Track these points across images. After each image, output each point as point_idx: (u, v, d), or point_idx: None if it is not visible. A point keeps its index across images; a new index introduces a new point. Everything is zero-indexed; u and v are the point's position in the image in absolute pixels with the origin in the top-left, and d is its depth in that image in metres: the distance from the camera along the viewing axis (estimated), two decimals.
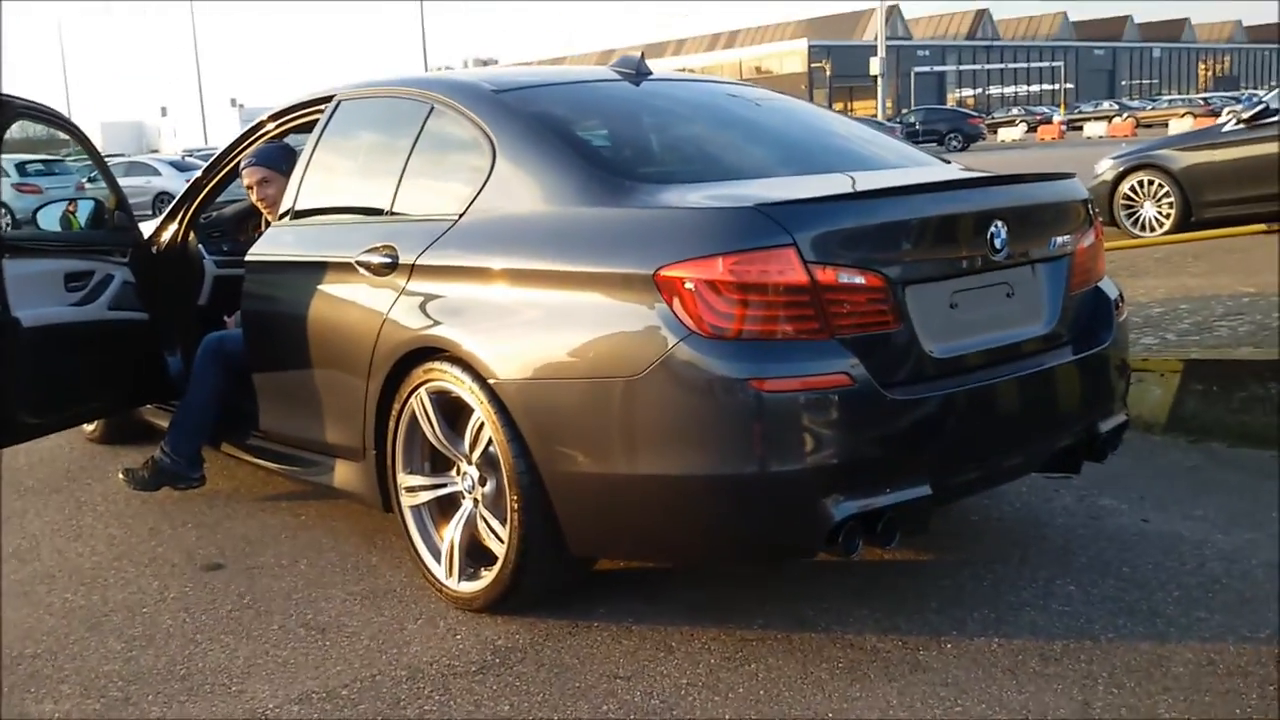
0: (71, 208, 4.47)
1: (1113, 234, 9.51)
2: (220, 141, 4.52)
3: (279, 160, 4.00)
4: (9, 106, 3.66)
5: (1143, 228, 9.76)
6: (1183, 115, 41.65)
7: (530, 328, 2.75)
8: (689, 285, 2.48)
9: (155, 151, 55.88)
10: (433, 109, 3.32)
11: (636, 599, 3.00)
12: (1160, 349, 4.74)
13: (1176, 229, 9.47)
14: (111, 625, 3.06)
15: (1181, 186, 9.53)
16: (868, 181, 3.03)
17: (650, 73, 3.64)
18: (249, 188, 4.15)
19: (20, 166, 21.52)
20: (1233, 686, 2.42)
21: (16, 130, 3.74)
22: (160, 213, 4.73)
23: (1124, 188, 9.92)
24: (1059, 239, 3.00)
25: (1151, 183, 9.74)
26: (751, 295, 2.46)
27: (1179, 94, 75.48)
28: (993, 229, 2.75)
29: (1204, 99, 53.26)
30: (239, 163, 4.31)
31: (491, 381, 2.76)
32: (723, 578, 3.12)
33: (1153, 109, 51.70)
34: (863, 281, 2.54)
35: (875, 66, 41.72)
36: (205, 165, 4.47)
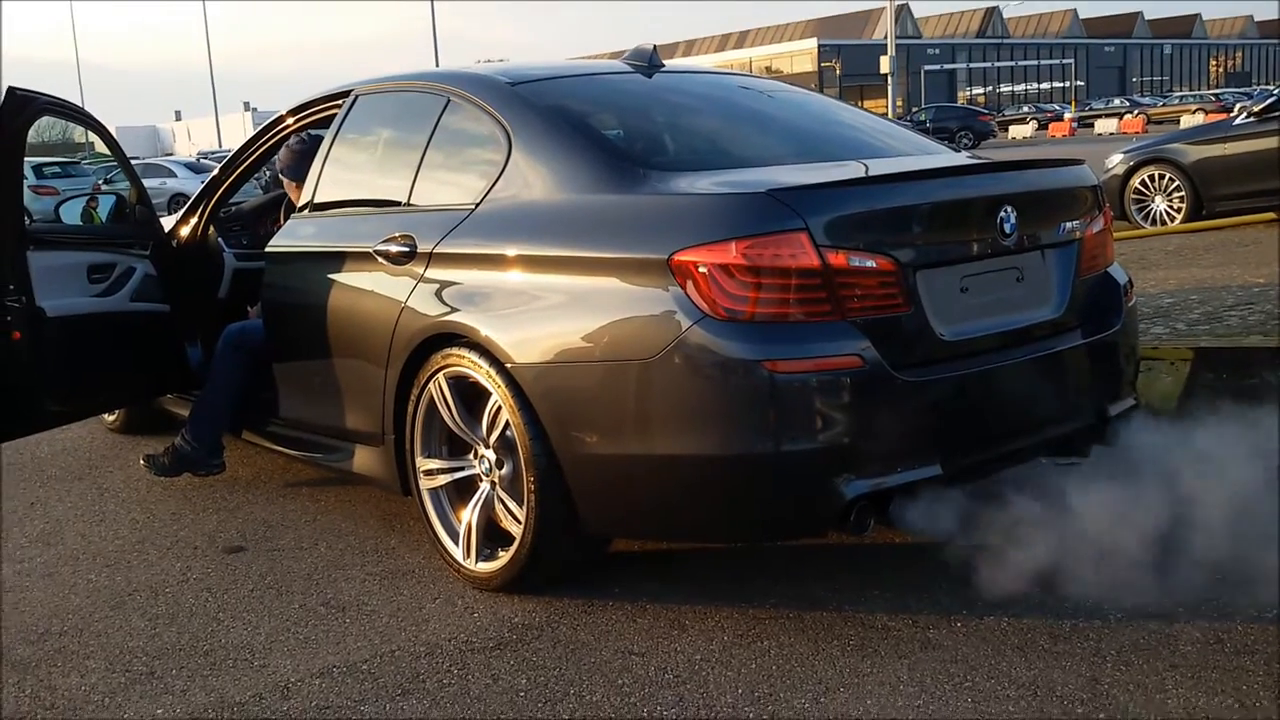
0: (93, 203, 4.53)
1: (1122, 227, 9.52)
2: (233, 144, 4.58)
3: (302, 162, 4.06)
4: (33, 103, 3.72)
5: (1153, 222, 9.77)
6: (1194, 111, 41.54)
7: (546, 313, 2.80)
8: (703, 269, 2.53)
9: (170, 154, 56.16)
10: (449, 102, 3.38)
11: (650, 578, 3.05)
12: (1171, 338, 4.78)
13: (1187, 223, 9.48)
14: (135, 604, 3.12)
15: (1192, 180, 9.54)
16: (879, 168, 3.07)
17: (662, 65, 3.69)
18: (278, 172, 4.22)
19: (37, 169, 21.71)
20: (1240, 664, 2.46)
21: (33, 134, 3.79)
22: (175, 212, 4.80)
23: (1135, 182, 9.93)
24: (1068, 224, 3.04)
25: (1162, 177, 9.75)
26: (764, 279, 2.50)
27: (1190, 90, 75.22)
28: (1002, 214, 2.80)
29: (1215, 95, 53.09)
30: (258, 158, 4.37)
31: (508, 366, 2.81)
32: (735, 558, 3.17)
33: (1164, 105, 51.50)
34: (874, 265, 2.58)
35: (885, 65, 41.75)
36: (224, 162, 4.53)
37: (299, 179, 4.01)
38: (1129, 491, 2.92)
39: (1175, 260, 7.51)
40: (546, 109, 3.16)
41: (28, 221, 3.74)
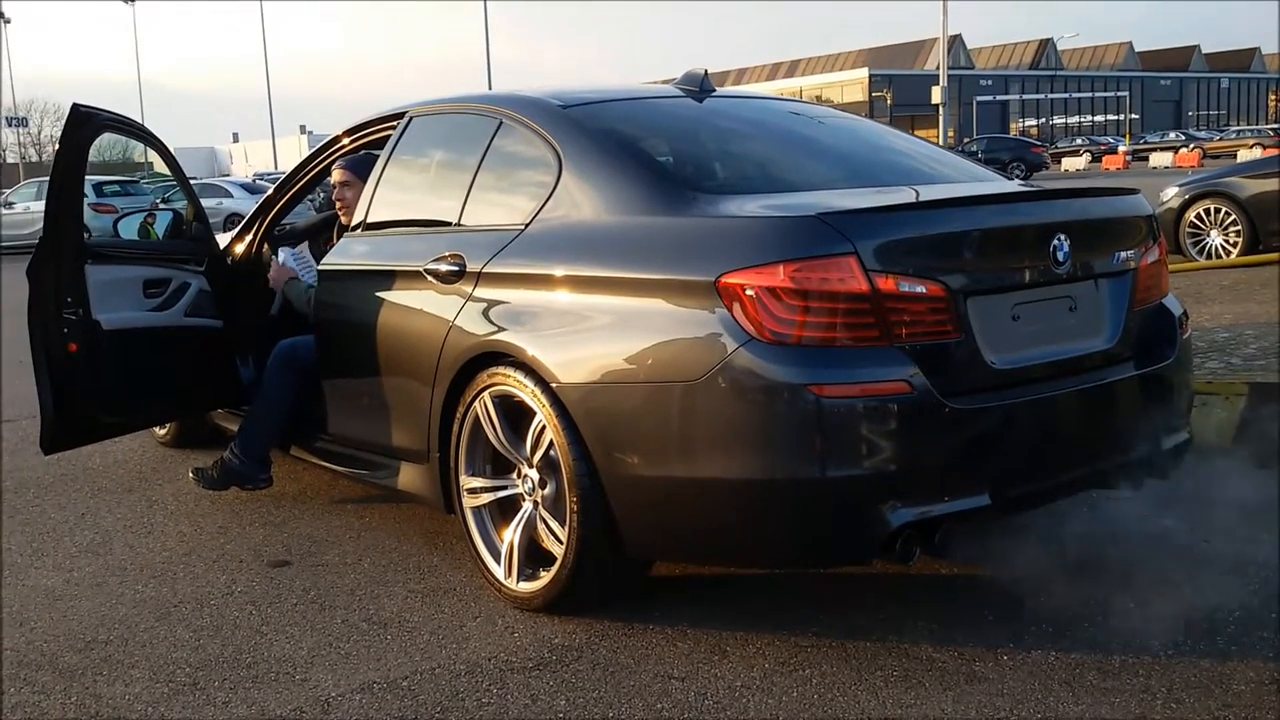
0: (150, 218, 4.62)
1: (1177, 261, 9.38)
2: (289, 166, 4.65)
3: (362, 167, 4.11)
4: (96, 118, 3.80)
5: (1209, 256, 9.62)
6: (1251, 146, 40.93)
7: (593, 333, 2.80)
8: (750, 292, 2.52)
9: (227, 175, 57.21)
10: (501, 124, 3.41)
11: (692, 603, 3.03)
12: (1226, 373, 4.69)
13: (1243, 256, 9.32)
14: (180, 616, 3.15)
15: (1249, 214, 9.39)
16: (930, 194, 3.05)
17: (714, 89, 3.70)
18: (333, 185, 4.28)
19: (97, 187, 22.20)
20: None
21: (94, 154, 3.88)
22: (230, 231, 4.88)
23: (1190, 215, 9.80)
24: (1122, 254, 3.00)
25: (1218, 210, 9.61)
26: (812, 302, 2.49)
27: (1248, 124, 74.18)
28: (1055, 242, 2.77)
29: (1274, 130, 52.29)
30: (312, 178, 4.44)
31: (554, 385, 2.82)
32: (778, 584, 3.14)
33: (1220, 139, 50.83)
34: (924, 291, 2.56)
35: (937, 95, 41.59)
36: (279, 181, 4.60)
37: (360, 176, 4.04)
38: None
39: (1231, 295, 7.38)
40: (597, 131, 3.18)
41: (86, 236, 3.81)
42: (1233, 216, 9.51)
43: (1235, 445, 4.25)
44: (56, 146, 3.80)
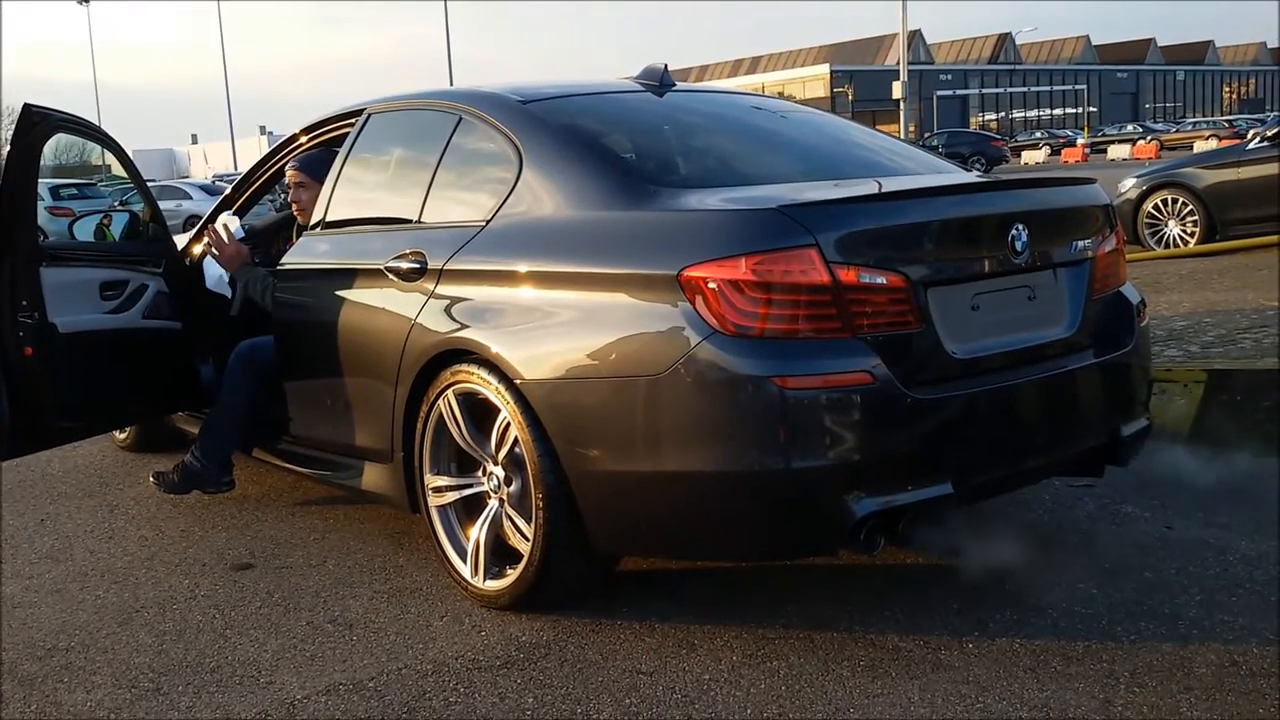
0: (106, 220, 4.56)
1: (1136, 250, 9.50)
2: (249, 167, 4.58)
3: (318, 167, 4.06)
4: (49, 120, 3.74)
5: (1167, 245, 9.74)
6: (1207, 138, 41.46)
7: (555, 329, 2.79)
8: (712, 285, 2.52)
9: (186, 177, 56.60)
10: (460, 120, 3.39)
11: (659, 597, 3.03)
12: (1184, 360, 4.75)
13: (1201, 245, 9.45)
14: (143, 620, 3.11)
15: (1206, 204, 9.52)
16: (891, 186, 3.06)
17: (674, 83, 3.70)
18: (288, 187, 4.22)
19: (54, 190, 21.89)
20: (1255, 687, 2.42)
21: (50, 156, 3.81)
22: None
23: (1148, 206, 9.92)
24: (1080, 243, 3.02)
25: (1176, 201, 9.73)
26: (774, 295, 2.49)
27: (1203, 116, 75.21)
28: (1014, 232, 2.79)
29: (1229, 121, 53.07)
30: (270, 177, 4.39)
31: (518, 382, 2.81)
32: (745, 578, 3.14)
33: (1177, 131, 51.50)
34: (884, 282, 2.57)
35: (898, 90, 41.83)
36: (236, 181, 4.54)
37: (315, 176, 4.00)
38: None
39: (1189, 284, 7.48)
40: (557, 126, 3.17)
41: (41, 238, 3.75)
42: (1190, 207, 9.63)
43: (1194, 431, 4.31)
44: (8, 148, 3.73)
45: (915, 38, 77.72)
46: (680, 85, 3.74)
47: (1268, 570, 3.02)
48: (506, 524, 2.98)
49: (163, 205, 4.67)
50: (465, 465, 3.13)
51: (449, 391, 3.04)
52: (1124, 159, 39.27)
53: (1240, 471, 3.87)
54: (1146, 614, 2.79)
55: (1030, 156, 45.84)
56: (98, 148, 4.28)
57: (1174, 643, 2.63)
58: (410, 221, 3.40)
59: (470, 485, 3.10)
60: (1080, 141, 48.24)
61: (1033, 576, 3.00)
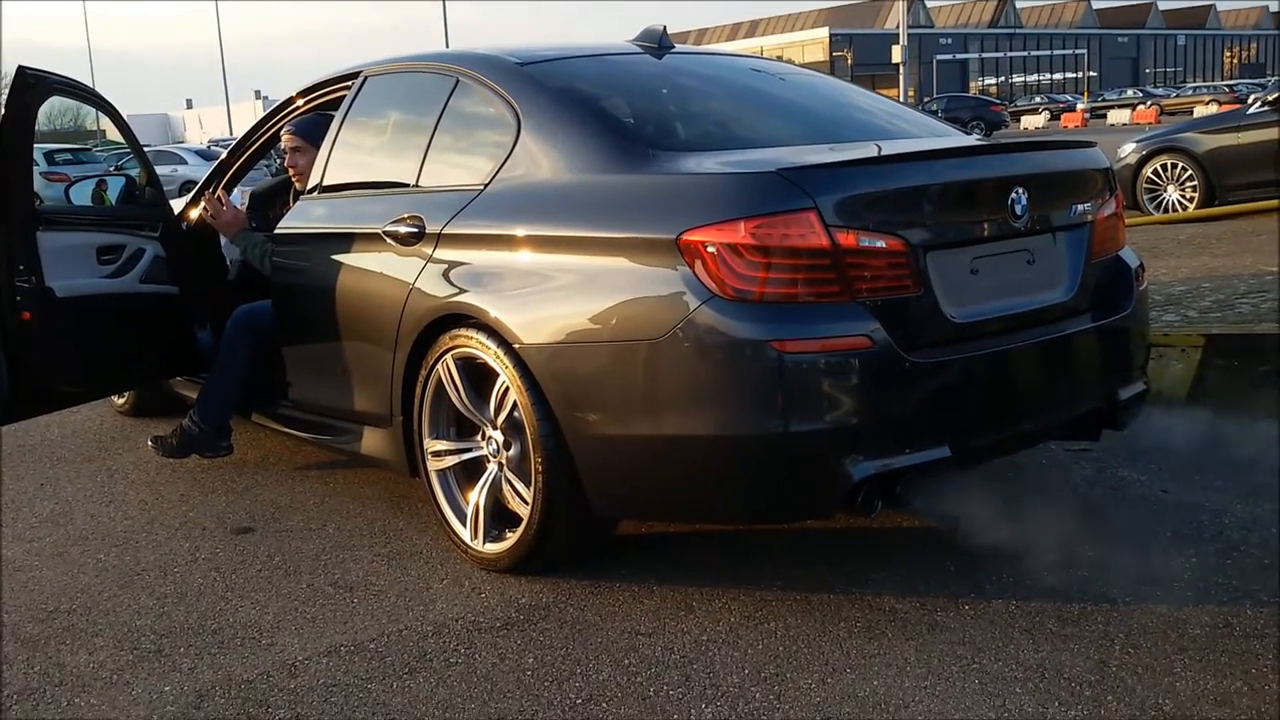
0: (103, 184, 4.53)
1: (1135, 215, 9.48)
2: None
3: (314, 131, 4.04)
4: (43, 83, 3.71)
5: (1166, 210, 9.72)
6: (1208, 102, 41.21)
7: (554, 293, 2.79)
8: (711, 249, 2.52)
9: (181, 142, 56.30)
10: (458, 83, 3.37)
11: (658, 560, 3.05)
12: (1182, 325, 4.75)
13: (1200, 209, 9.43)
14: (144, 583, 3.13)
15: (1205, 169, 9.49)
16: (890, 150, 3.05)
17: (672, 46, 3.67)
18: (284, 152, 4.20)
19: (49, 155, 21.75)
20: (1249, 648, 2.44)
21: (44, 122, 3.78)
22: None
23: (1147, 171, 9.88)
24: (1079, 207, 3.01)
25: (1175, 166, 9.70)
26: (773, 258, 2.49)
27: (1204, 81, 74.81)
28: (1013, 195, 2.78)
29: (1229, 86, 52.73)
30: (266, 140, 4.37)
31: (517, 346, 2.81)
32: (743, 541, 3.16)
33: (1177, 96, 51.17)
34: (883, 245, 2.56)
35: (897, 55, 41.55)
36: (232, 145, 4.52)
37: (311, 140, 3.98)
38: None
39: (1187, 249, 7.47)
40: (555, 89, 3.15)
41: (37, 202, 3.73)
42: (1189, 171, 9.60)
43: (1192, 395, 4.32)
44: (2, 111, 3.70)
45: (915, 1, 77.11)
46: (679, 48, 3.72)
47: (1263, 533, 3.04)
48: (506, 488, 2.99)
49: (158, 170, 4.64)
50: (464, 429, 3.14)
51: (448, 356, 3.04)
52: (1124, 124, 39.10)
53: (1237, 436, 3.88)
54: (1142, 576, 2.81)
55: (1030, 121, 45.62)
56: (92, 113, 4.26)
57: (1169, 604, 2.65)
58: (408, 185, 3.39)
59: (469, 449, 3.11)
60: (1080, 106, 47.98)
61: (1029, 539, 3.02)
